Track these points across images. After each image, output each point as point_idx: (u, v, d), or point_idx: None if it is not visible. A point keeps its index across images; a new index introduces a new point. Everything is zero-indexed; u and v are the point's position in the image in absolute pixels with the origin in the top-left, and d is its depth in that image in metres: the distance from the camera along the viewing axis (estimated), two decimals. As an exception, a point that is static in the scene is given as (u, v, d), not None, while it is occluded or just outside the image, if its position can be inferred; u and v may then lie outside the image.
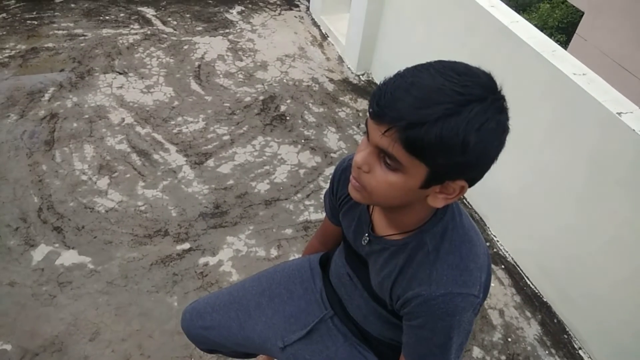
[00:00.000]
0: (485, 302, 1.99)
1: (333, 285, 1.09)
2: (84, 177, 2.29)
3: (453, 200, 0.73)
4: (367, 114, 0.70)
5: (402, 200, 0.75)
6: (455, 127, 0.63)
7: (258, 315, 1.12)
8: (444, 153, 0.65)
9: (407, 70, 0.68)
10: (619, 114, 1.53)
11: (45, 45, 3.07)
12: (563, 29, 10.34)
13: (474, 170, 0.70)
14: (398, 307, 0.85)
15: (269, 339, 1.09)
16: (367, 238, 0.90)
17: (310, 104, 2.88)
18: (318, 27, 3.62)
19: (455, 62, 0.68)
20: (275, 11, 3.74)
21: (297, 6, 3.83)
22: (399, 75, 0.67)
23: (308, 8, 3.79)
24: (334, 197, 1.01)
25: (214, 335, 1.15)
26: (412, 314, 0.81)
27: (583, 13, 5.93)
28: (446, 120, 0.62)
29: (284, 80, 3.04)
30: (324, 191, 1.48)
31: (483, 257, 0.82)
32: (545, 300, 2.01)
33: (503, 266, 2.13)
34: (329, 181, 1.07)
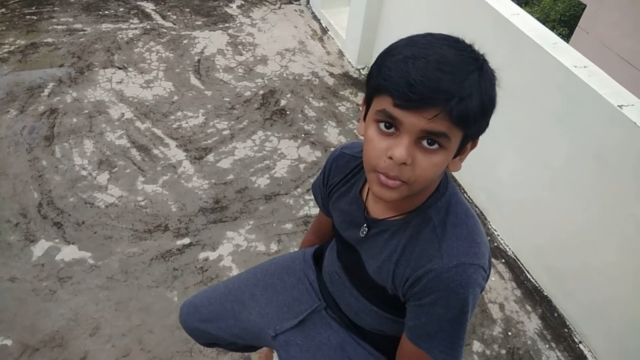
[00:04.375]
0: (486, 296, 1.99)
1: (325, 281, 1.09)
2: (84, 173, 2.28)
3: (465, 159, 0.77)
4: (391, 107, 0.67)
5: (435, 178, 0.75)
6: (488, 89, 0.68)
7: (252, 306, 1.12)
8: (483, 116, 0.69)
9: (412, 49, 0.67)
10: (620, 106, 1.51)
11: (45, 41, 3.06)
12: (565, 22, 10.27)
13: (487, 124, 0.73)
14: (405, 289, 0.82)
15: (263, 329, 1.10)
16: (365, 226, 0.88)
17: (310, 98, 2.87)
18: (318, 20, 3.60)
19: (440, 34, 0.71)
20: (275, 5, 3.72)
21: (297, 0, 3.81)
22: (411, 58, 0.66)
23: (308, 2, 3.77)
24: (325, 187, 1.00)
25: (211, 328, 1.16)
26: (422, 292, 0.78)
27: (585, 5, 5.89)
28: (480, 85, 0.67)
29: (284, 75, 3.02)
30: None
31: (485, 236, 0.82)
32: (545, 294, 2.00)
33: (503, 260, 2.13)
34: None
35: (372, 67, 0.74)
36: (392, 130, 0.70)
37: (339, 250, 1.02)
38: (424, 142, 0.69)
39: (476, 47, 0.71)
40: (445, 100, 0.64)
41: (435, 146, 0.69)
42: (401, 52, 0.68)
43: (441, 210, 0.80)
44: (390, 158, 0.69)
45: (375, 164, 0.72)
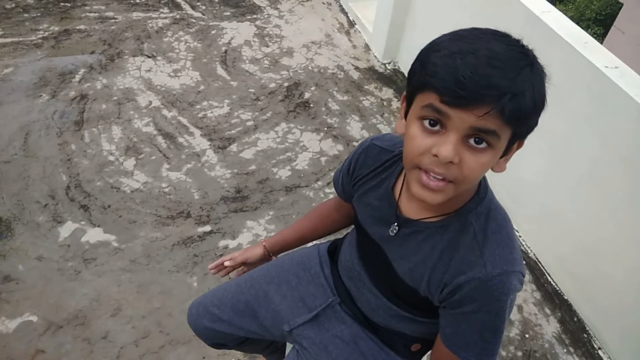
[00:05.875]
0: (504, 296, 1.97)
1: (341, 276, 1.07)
2: (111, 158, 2.34)
3: (510, 159, 0.75)
4: (438, 103, 0.64)
5: (480, 178, 0.74)
6: (539, 86, 0.66)
7: (267, 304, 1.11)
8: (535, 114, 0.67)
9: (459, 44, 0.65)
10: (652, 109, 1.47)
11: (77, 28, 3.14)
12: (601, 21, 9.99)
13: (536, 123, 0.70)
14: (443, 296, 0.80)
15: (277, 325, 1.09)
16: (396, 225, 0.86)
17: (334, 92, 2.87)
18: (346, 14, 3.59)
19: (486, 28, 0.68)
20: (303, -3, 3.72)
21: (326, -7, 3.80)
22: (458, 53, 0.63)
23: (336, -5, 3.76)
24: (349, 177, 0.98)
25: (223, 327, 1.13)
26: (464, 299, 0.77)
27: (622, 4, 5.71)
28: (532, 81, 0.65)
29: (309, 67, 3.03)
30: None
31: (517, 239, 0.82)
32: (565, 298, 1.97)
33: (524, 262, 2.10)
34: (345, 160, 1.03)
35: (414, 64, 0.72)
36: (437, 127, 0.67)
37: (360, 247, 0.99)
38: (472, 141, 0.66)
39: (525, 43, 0.68)
40: (497, 97, 0.62)
41: (484, 145, 0.66)
42: (447, 47, 0.65)
43: (481, 216, 0.79)
44: (436, 156, 0.67)
45: (419, 160, 0.69)
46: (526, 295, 1.98)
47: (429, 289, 0.83)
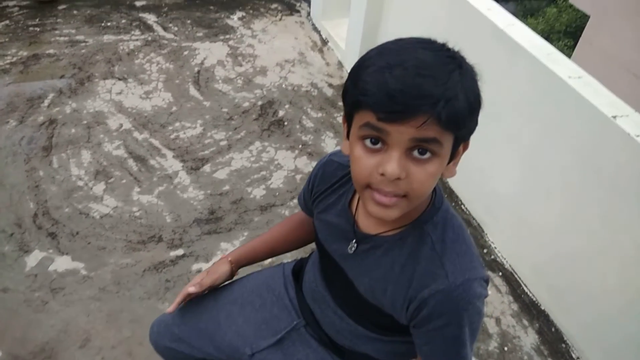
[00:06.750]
0: (482, 309, 1.95)
1: (306, 297, 1.05)
2: (80, 183, 2.29)
3: (458, 163, 0.75)
4: (375, 121, 0.64)
5: (432, 188, 0.73)
6: (471, 86, 0.66)
7: (228, 325, 1.08)
8: (472, 115, 0.67)
9: (386, 58, 0.65)
10: (614, 117, 1.49)
11: (47, 52, 3.09)
12: (571, 33, 10.26)
13: (476, 123, 0.70)
14: (410, 313, 0.79)
15: (239, 348, 1.06)
16: (355, 242, 0.85)
17: (308, 109, 2.87)
18: (318, 32, 3.61)
19: (411, 37, 0.69)
20: (276, 17, 3.74)
21: (298, 12, 3.83)
22: (386, 67, 0.63)
23: (309, 13, 3.79)
24: (310, 195, 0.97)
25: (183, 347, 1.10)
26: (432, 315, 0.76)
27: (589, 17, 5.87)
28: (463, 83, 0.64)
29: (283, 86, 3.03)
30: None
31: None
32: (543, 308, 1.97)
33: (500, 273, 2.09)
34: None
35: (346, 83, 0.72)
36: (379, 145, 0.67)
37: (322, 266, 0.97)
38: (415, 153, 0.66)
39: (450, 45, 0.68)
40: (432, 105, 0.61)
41: (427, 155, 0.66)
42: (375, 63, 0.65)
43: (438, 226, 0.78)
44: (382, 174, 0.66)
45: (368, 180, 0.69)
46: (504, 307, 1.97)
47: (392, 305, 0.81)
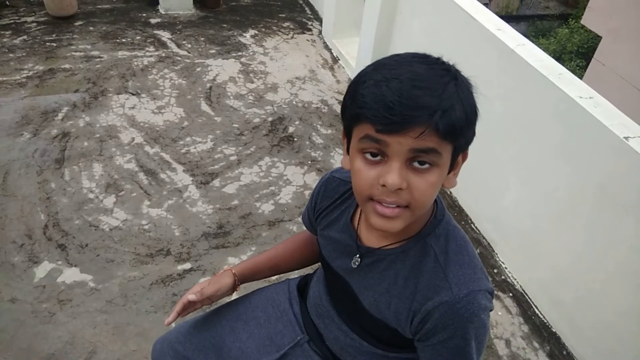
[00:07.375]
0: (492, 331, 1.92)
1: (310, 313, 1.04)
2: (91, 196, 2.31)
3: (458, 173, 0.76)
4: (374, 133, 0.65)
5: (434, 199, 0.74)
6: (467, 97, 0.68)
7: (232, 341, 1.07)
8: (469, 124, 0.68)
9: (382, 72, 0.67)
10: (626, 138, 1.48)
11: (62, 67, 3.16)
12: (583, 54, 10.26)
13: (474, 133, 0.71)
14: (415, 326, 0.78)
15: None
16: (358, 256, 0.85)
17: (318, 126, 2.88)
18: (329, 50, 3.65)
19: (407, 52, 0.71)
20: (288, 35, 3.79)
21: (310, 30, 3.88)
22: (383, 81, 0.65)
23: (320, 32, 3.84)
24: (313, 212, 0.97)
25: None
26: (436, 327, 0.75)
27: (601, 38, 5.88)
28: (459, 95, 0.66)
29: (294, 102, 3.05)
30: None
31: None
32: (554, 330, 1.93)
33: (511, 294, 2.06)
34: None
35: (344, 98, 0.73)
36: (379, 157, 0.68)
37: (327, 282, 0.97)
38: (415, 164, 0.67)
39: (445, 59, 0.71)
40: (429, 116, 0.63)
41: (427, 165, 0.67)
42: (372, 77, 0.67)
43: (440, 238, 0.78)
44: (384, 185, 0.67)
45: (370, 192, 0.69)
46: (514, 329, 1.94)
47: (397, 319, 0.81)
